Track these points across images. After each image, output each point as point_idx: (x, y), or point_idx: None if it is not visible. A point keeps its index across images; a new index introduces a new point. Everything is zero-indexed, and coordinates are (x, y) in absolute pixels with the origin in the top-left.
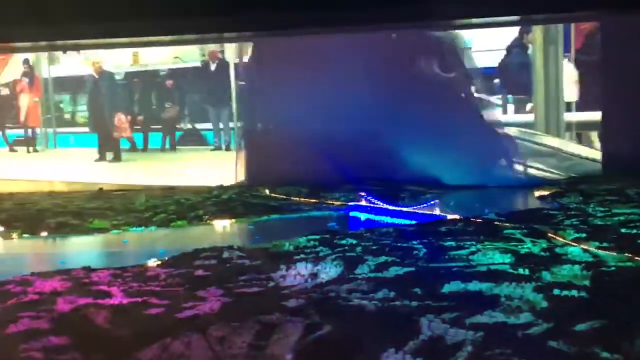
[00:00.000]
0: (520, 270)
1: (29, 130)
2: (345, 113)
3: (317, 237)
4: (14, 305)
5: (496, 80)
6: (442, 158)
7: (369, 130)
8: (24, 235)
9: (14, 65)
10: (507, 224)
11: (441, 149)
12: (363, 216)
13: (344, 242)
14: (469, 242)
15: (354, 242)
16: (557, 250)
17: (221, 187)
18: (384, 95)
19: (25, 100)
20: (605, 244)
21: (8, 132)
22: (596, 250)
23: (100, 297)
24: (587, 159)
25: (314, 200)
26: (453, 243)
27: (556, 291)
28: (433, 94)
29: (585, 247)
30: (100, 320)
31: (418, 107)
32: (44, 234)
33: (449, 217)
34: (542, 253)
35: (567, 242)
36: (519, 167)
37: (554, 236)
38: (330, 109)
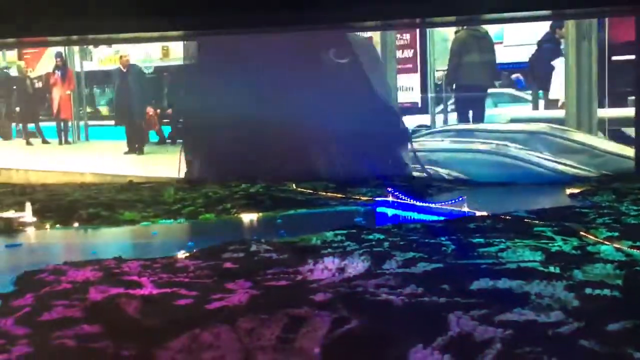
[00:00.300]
0: (551, 269)
1: (61, 123)
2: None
3: (344, 231)
4: (48, 293)
5: (514, 75)
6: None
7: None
8: (57, 225)
9: (48, 58)
10: (537, 222)
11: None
12: (390, 212)
13: (371, 237)
14: (497, 239)
15: (381, 237)
16: (589, 248)
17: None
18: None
19: (57, 93)
20: (638, 243)
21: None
22: (629, 249)
23: (131, 287)
24: (619, 156)
25: (341, 195)
26: (482, 240)
27: (588, 290)
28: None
29: (618, 245)
30: (131, 310)
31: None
32: (76, 224)
33: (478, 213)
34: (574, 251)
35: (599, 240)
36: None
37: (586, 234)
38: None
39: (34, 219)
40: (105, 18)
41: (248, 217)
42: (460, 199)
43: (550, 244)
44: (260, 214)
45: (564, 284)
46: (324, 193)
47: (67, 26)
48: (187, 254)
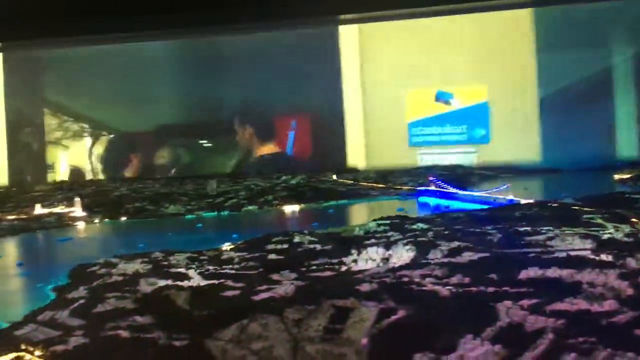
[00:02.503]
0: (603, 257)
1: None
2: None
3: (388, 222)
4: (100, 286)
5: None
6: None
7: None
8: (105, 219)
9: None
10: (586, 209)
11: None
12: (432, 201)
13: (414, 226)
14: (545, 227)
15: (425, 226)
16: None
17: None
18: None
19: None
20: None
21: None
22: None
23: (179, 279)
24: None
25: (382, 185)
26: (528, 228)
27: None
28: None
29: None
30: (181, 301)
31: None
32: (123, 218)
33: (523, 201)
34: (626, 239)
35: None
36: None
37: (638, 221)
38: None
39: (84, 214)
40: None
41: (290, 209)
42: (505, 186)
43: (601, 232)
44: (302, 205)
45: (617, 272)
46: (365, 183)
47: None
48: (232, 246)
